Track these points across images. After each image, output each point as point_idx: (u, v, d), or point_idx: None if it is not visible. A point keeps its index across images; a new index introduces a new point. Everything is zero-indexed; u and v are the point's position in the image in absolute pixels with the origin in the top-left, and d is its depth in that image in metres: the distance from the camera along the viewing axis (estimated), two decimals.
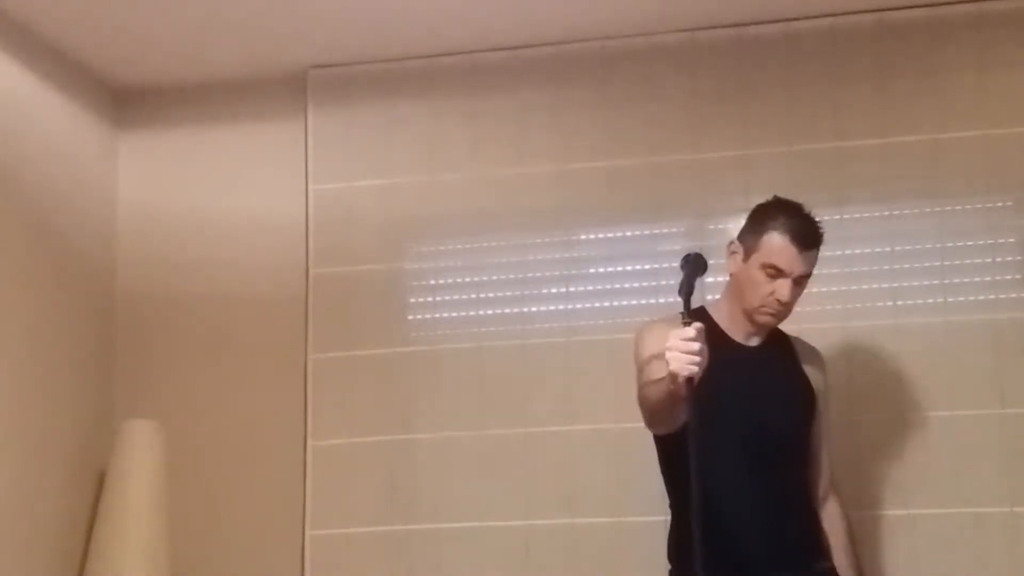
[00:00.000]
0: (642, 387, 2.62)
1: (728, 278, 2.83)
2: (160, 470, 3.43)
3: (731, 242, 2.81)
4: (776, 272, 2.68)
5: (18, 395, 3.25)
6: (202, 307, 3.72)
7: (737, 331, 2.80)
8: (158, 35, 3.49)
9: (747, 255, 2.74)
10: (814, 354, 2.93)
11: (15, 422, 3.23)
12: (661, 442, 2.77)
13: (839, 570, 2.81)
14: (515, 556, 3.40)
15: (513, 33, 3.54)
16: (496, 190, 3.60)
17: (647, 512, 3.17)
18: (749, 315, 2.77)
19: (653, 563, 2.85)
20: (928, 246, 3.34)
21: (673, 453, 2.73)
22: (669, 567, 2.78)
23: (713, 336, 2.66)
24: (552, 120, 3.59)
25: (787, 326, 3.28)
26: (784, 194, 3.44)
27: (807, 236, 2.69)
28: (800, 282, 2.72)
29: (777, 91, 3.47)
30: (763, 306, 2.72)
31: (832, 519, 2.87)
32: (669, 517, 2.81)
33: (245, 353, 3.68)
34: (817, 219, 2.74)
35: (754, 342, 2.81)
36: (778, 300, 2.69)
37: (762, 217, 2.75)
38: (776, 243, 2.68)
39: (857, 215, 3.40)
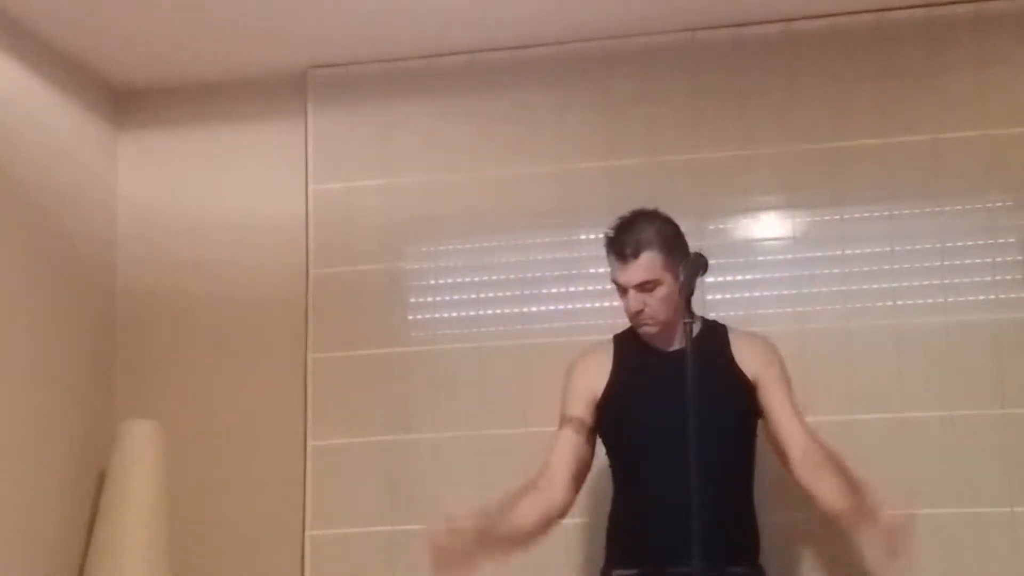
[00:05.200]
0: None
1: None
2: (160, 470, 3.43)
3: None
4: (620, 288, 2.79)
5: (18, 395, 3.25)
6: (202, 307, 3.72)
7: (658, 339, 2.84)
8: (158, 35, 3.49)
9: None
10: (750, 342, 2.89)
11: (15, 422, 3.23)
12: (606, 450, 2.89)
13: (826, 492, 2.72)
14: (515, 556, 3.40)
15: (513, 33, 3.54)
16: (496, 190, 3.61)
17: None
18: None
19: None
20: (928, 246, 3.34)
21: (609, 457, 2.90)
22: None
23: (639, 348, 2.86)
24: (552, 120, 3.59)
25: (787, 324, 3.29)
26: (784, 194, 3.47)
27: (622, 248, 2.76)
28: (646, 289, 2.75)
29: (777, 91, 3.47)
30: (632, 322, 2.82)
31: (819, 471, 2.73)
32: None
33: (245, 353, 3.68)
34: (639, 225, 2.77)
35: (676, 345, 2.82)
36: (633, 313, 2.78)
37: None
38: (611, 262, 2.81)
39: (857, 215, 3.40)
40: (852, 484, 2.73)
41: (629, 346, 2.89)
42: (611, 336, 2.96)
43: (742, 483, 2.82)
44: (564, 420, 2.89)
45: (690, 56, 3.54)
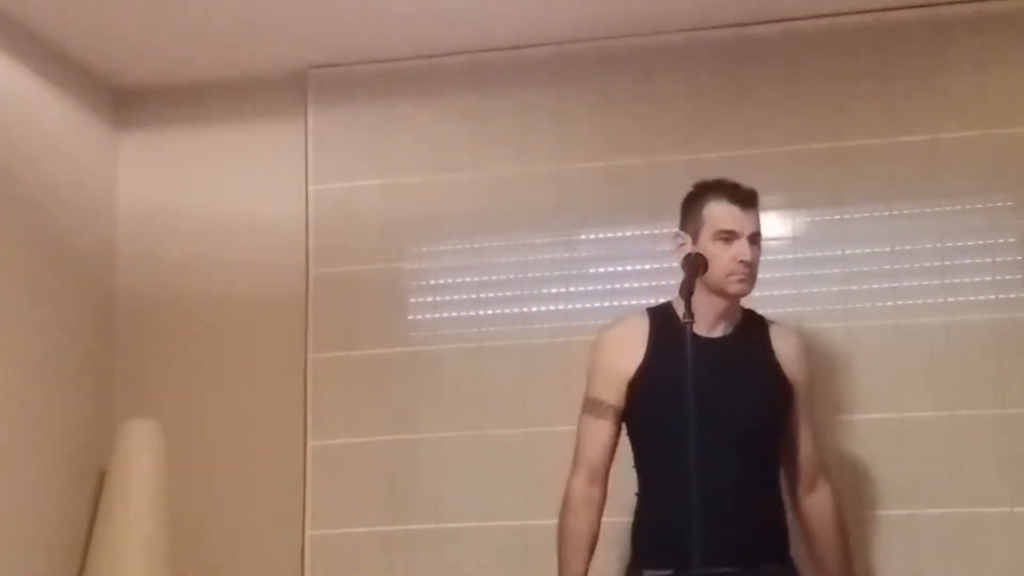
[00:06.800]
0: (558, 543, 2.80)
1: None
2: (160, 470, 3.43)
3: (676, 235, 2.85)
4: (729, 235, 2.73)
5: (18, 395, 3.25)
6: (202, 307, 3.72)
7: (700, 323, 2.77)
8: (158, 35, 3.49)
9: (695, 237, 2.78)
10: (792, 340, 2.88)
11: (15, 422, 3.23)
12: (629, 435, 2.83)
13: (823, 559, 2.81)
14: (515, 556, 3.40)
15: (513, 33, 3.54)
16: (496, 190, 3.60)
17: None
18: (720, 291, 2.75)
19: None
20: (928, 246, 3.34)
21: (636, 446, 2.82)
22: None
23: (675, 331, 2.74)
24: (552, 120, 3.59)
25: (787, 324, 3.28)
26: (784, 194, 3.46)
27: (743, 195, 2.77)
28: (755, 241, 2.75)
29: (777, 91, 3.47)
30: (730, 274, 2.73)
31: (819, 508, 2.84)
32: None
33: (245, 353, 3.68)
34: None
35: (718, 332, 2.80)
36: (741, 261, 2.72)
37: (694, 199, 2.83)
38: (718, 210, 2.75)
39: (857, 215, 3.40)
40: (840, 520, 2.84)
41: (666, 325, 2.79)
42: (645, 309, 2.89)
43: (773, 477, 2.81)
44: (597, 406, 2.80)
45: (690, 56, 3.54)
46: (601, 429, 2.79)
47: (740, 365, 2.78)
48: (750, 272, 2.74)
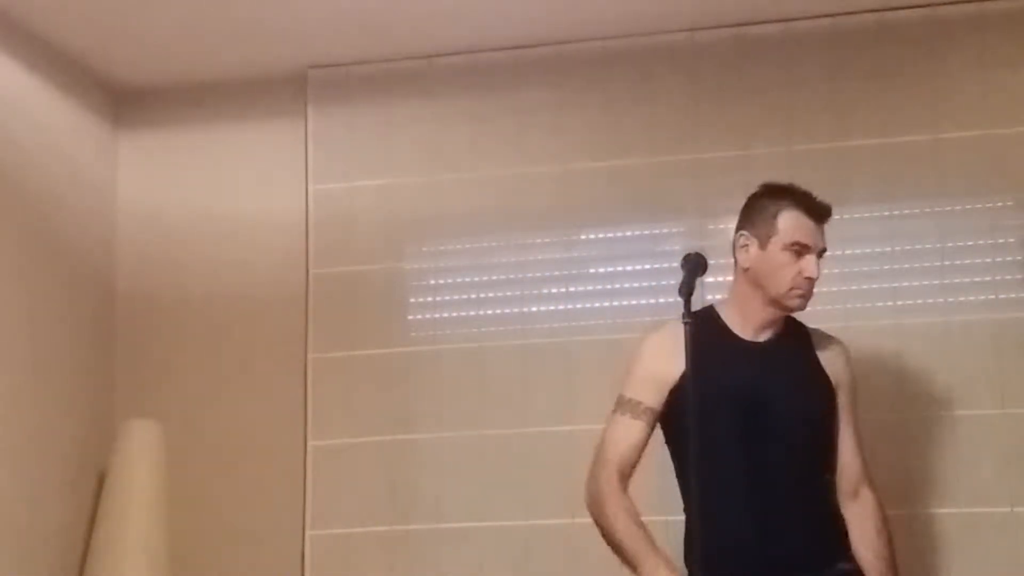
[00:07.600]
0: (612, 535, 2.66)
1: (735, 275, 2.80)
2: (160, 470, 3.43)
3: (740, 234, 2.77)
4: (801, 248, 2.68)
5: (18, 395, 3.25)
6: (202, 307, 3.72)
7: (745, 328, 2.76)
8: (158, 35, 3.49)
9: (763, 242, 2.71)
10: (834, 346, 2.84)
11: (15, 422, 3.23)
12: (670, 444, 2.78)
13: (865, 566, 2.75)
14: (515, 556, 3.40)
15: (513, 33, 3.54)
16: (496, 190, 3.61)
17: (646, 512, 3.11)
18: (777, 302, 2.72)
19: None
20: (928, 246, 3.34)
21: (681, 455, 2.74)
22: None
23: (719, 335, 2.73)
24: (552, 120, 3.59)
25: None
26: None
27: (820, 209, 2.71)
28: (820, 257, 2.72)
29: (777, 91, 3.47)
30: (793, 288, 2.69)
31: (862, 515, 2.77)
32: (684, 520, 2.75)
33: (245, 353, 3.68)
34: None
35: (764, 337, 2.78)
36: (808, 278, 2.68)
37: (767, 202, 2.75)
38: (796, 221, 2.69)
39: (857, 215, 3.40)
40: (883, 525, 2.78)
41: (707, 330, 2.67)
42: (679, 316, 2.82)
43: (824, 478, 2.77)
44: (634, 407, 2.72)
45: (690, 56, 3.54)
46: (636, 428, 2.72)
47: (786, 368, 2.75)
48: (812, 288, 2.71)
